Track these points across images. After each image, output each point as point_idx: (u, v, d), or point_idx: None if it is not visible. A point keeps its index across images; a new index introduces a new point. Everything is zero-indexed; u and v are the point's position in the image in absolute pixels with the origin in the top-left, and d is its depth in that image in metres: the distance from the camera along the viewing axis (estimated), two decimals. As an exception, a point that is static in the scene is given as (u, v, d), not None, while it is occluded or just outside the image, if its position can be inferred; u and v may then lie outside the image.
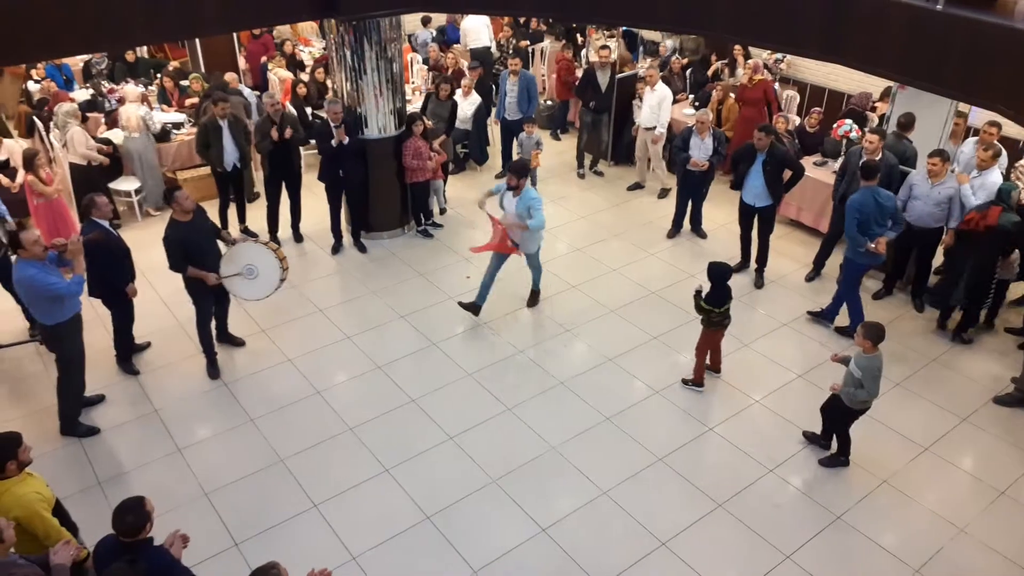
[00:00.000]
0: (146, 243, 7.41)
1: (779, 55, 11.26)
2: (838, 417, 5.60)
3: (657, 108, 9.47)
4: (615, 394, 6.42)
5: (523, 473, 5.63)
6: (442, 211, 9.41)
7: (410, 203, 8.85)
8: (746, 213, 8.01)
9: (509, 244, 7.04)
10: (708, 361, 6.53)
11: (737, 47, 11.17)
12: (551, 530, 5.17)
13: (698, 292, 6.26)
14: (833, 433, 5.74)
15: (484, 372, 6.66)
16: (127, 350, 6.68)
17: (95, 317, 6.67)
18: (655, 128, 9.49)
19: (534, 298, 7.63)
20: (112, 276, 6.16)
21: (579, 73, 10.88)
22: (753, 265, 8.17)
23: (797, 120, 9.87)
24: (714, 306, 6.17)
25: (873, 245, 6.70)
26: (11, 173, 8.47)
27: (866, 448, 5.87)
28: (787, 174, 7.71)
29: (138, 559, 3.31)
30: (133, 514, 3.58)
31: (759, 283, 8.09)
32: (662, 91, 9.50)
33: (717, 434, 6.03)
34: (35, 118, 9.52)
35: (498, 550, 5.03)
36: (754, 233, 8.04)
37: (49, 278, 5.38)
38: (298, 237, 8.80)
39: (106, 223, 6.08)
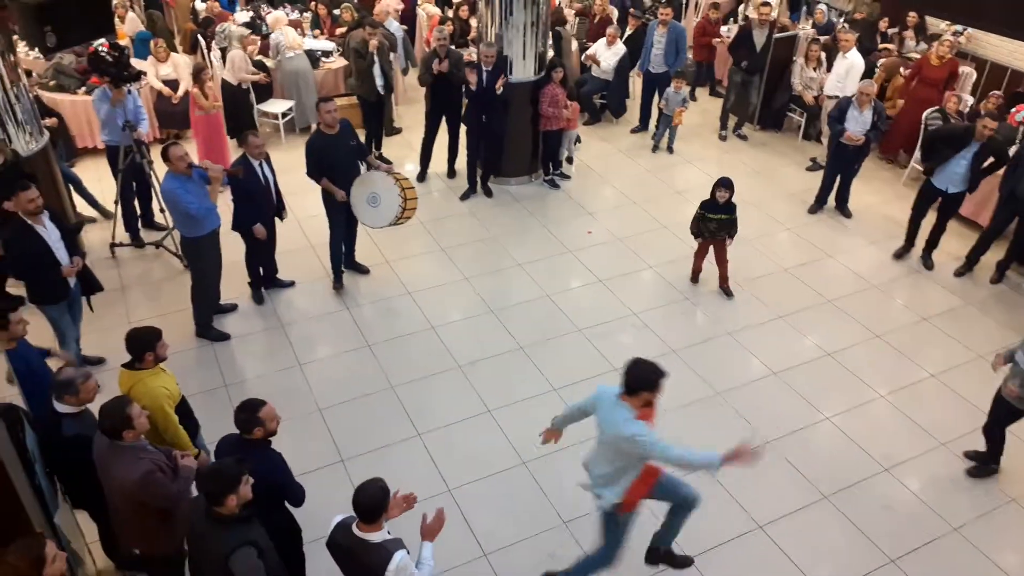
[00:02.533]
0: (286, 166, 7.70)
1: (959, 27, 10.26)
2: (1000, 416, 5.14)
3: (844, 76, 8.89)
4: (730, 370, 6.22)
5: (624, 434, 5.57)
6: (570, 160, 9.27)
7: (541, 151, 8.78)
8: (930, 197, 7.43)
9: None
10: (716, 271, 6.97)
11: (912, 15, 10.27)
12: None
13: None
14: (1001, 449, 5.28)
15: (595, 330, 6.59)
16: (259, 281, 6.81)
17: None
18: (839, 97, 8.88)
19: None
20: (243, 211, 6.30)
21: (725, 34, 10.39)
22: (920, 246, 7.67)
23: (971, 101, 9.01)
24: (705, 211, 6.69)
25: None
26: (174, 86, 9.02)
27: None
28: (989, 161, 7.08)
29: (245, 458, 3.48)
30: (245, 413, 3.78)
31: (928, 264, 7.60)
32: (853, 58, 8.91)
33: (833, 423, 5.74)
34: (199, 36, 10.03)
35: (590, 506, 5.02)
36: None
37: (187, 196, 5.69)
38: (451, 172, 8.91)
39: (256, 162, 6.18)
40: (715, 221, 6.73)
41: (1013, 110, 8.12)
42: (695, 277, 7.23)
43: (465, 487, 5.13)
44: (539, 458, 5.35)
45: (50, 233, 5.32)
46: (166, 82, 9.00)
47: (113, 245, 7.29)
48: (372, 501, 3.29)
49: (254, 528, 3.41)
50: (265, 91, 9.44)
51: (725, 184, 6.63)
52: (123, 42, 9.31)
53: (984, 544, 4.89)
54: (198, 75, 8.09)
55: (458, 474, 5.22)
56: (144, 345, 4.14)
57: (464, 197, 8.50)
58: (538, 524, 4.90)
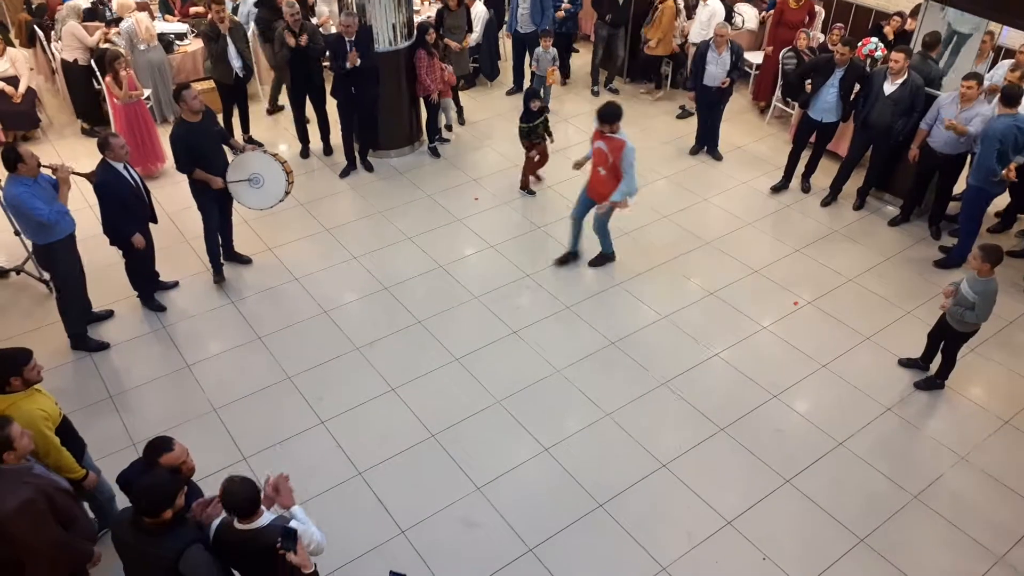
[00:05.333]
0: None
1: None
2: (950, 340, 5.55)
3: (707, 23, 9.14)
4: (621, 318, 6.40)
5: (527, 395, 5.67)
6: (449, 127, 9.20)
7: (426, 118, 8.66)
8: (808, 129, 7.84)
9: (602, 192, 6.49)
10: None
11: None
12: (553, 450, 5.24)
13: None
14: (935, 355, 5.74)
15: (491, 295, 6.63)
16: (148, 289, 6.43)
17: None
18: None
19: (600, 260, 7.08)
20: (118, 221, 5.87)
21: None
22: (800, 172, 8.15)
23: (821, 37, 9.48)
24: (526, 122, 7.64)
25: (1005, 172, 6.35)
26: (14, 82, 8.34)
27: (873, 377, 5.87)
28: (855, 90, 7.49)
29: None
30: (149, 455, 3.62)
31: (806, 187, 8.17)
32: (714, 5, 9.20)
33: (722, 359, 6.02)
34: (35, 26, 9.28)
35: (501, 468, 5.11)
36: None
37: (34, 201, 5.21)
38: (327, 150, 8.68)
39: (120, 165, 5.73)
40: (526, 128, 7.69)
41: (860, 44, 8.58)
42: (524, 185, 8.06)
43: (375, 468, 5.10)
44: (447, 429, 5.38)
45: None
46: (4, 79, 8.30)
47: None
48: (240, 498, 3.27)
49: (190, 527, 3.37)
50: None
51: (535, 95, 7.68)
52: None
53: (869, 456, 5.28)
54: (111, 63, 7.58)
55: (366, 456, 5.18)
56: (8, 369, 3.82)
57: (344, 174, 8.30)
58: (452, 494, 4.94)
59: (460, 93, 9.42)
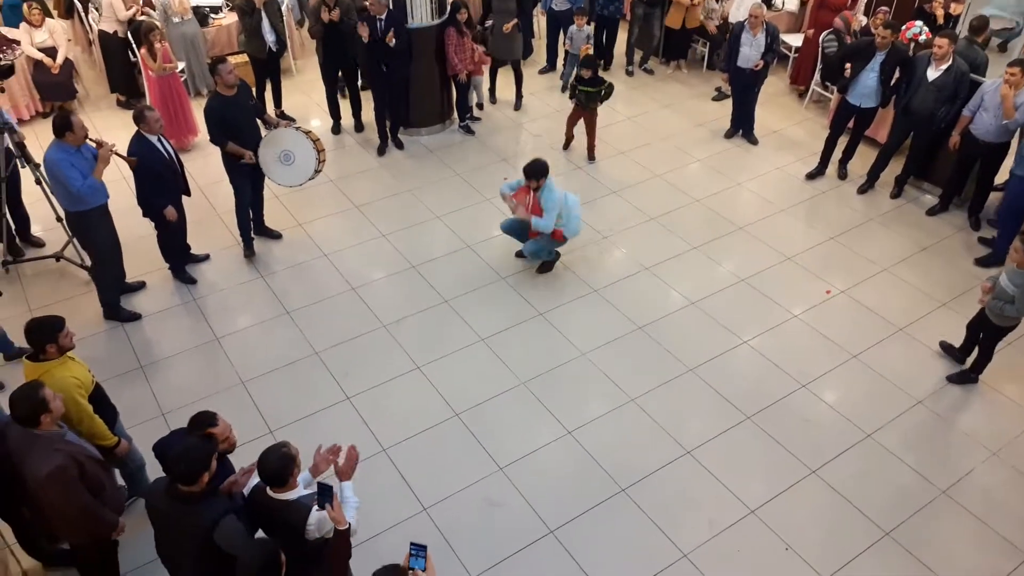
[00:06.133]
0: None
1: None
2: (988, 334, 5.45)
3: (745, 3, 8.96)
4: (649, 303, 6.35)
5: (552, 377, 5.66)
6: (480, 106, 9.14)
7: (455, 97, 8.62)
8: (846, 114, 7.67)
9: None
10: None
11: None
12: (576, 433, 5.23)
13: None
14: (973, 348, 5.63)
15: (518, 276, 6.61)
16: (179, 262, 6.50)
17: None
18: None
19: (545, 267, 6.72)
20: (152, 193, 5.91)
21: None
22: (837, 159, 8.00)
23: (864, 20, 9.24)
24: (578, 83, 7.79)
25: None
26: (52, 53, 8.43)
27: (905, 368, 5.77)
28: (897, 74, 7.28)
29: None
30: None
31: (843, 173, 8.03)
32: None
33: (750, 346, 5.95)
34: (74, -1, 9.37)
35: (523, 449, 5.11)
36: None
37: (71, 170, 5.29)
38: (359, 126, 8.69)
39: (155, 138, 5.75)
40: (584, 92, 7.78)
41: (904, 27, 8.35)
42: (567, 144, 8.35)
43: (399, 445, 5.14)
44: (471, 408, 5.39)
45: None
46: (42, 50, 8.40)
47: (6, 263, 6.54)
48: (273, 469, 3.32)
49: (221, 498, 3.42)
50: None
51: (587, 64, 7.74)
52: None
53: (898, 449, 5.20)
54: (146, 35, 7.66)
55: (391, 433, 5.21)
56: (44, 336, 3.91)
57: (380, 152, 8.30)
58: (475, 473, 4.96)
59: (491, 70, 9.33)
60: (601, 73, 9.54)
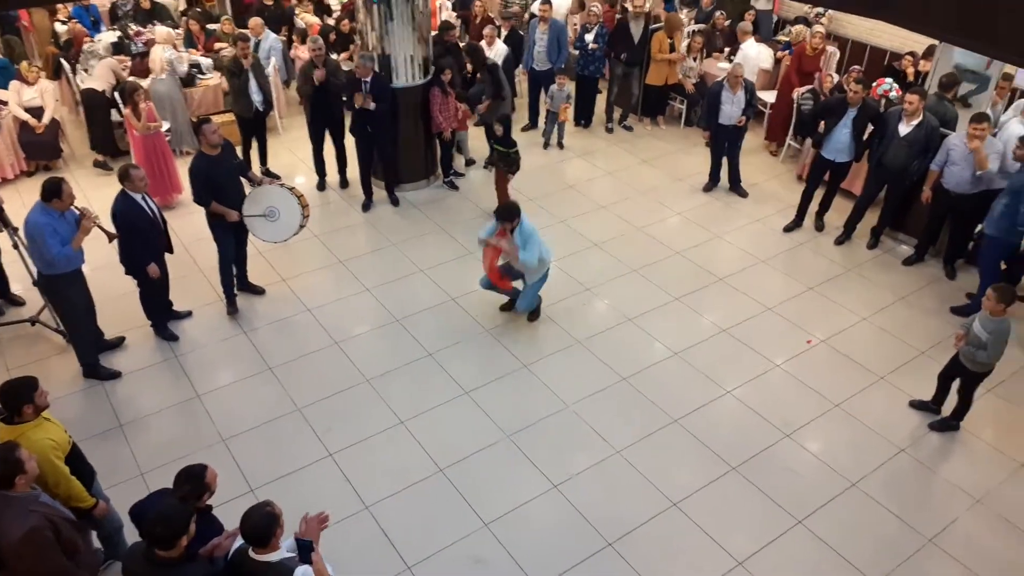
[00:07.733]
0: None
1: (820, 8, 10.82)
2: (965, 381, 5.50)
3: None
4: (633, 355, 6.37)
5: (537, 430, 5.63)
6: (471, 162, 9.29)
7: (439, 154, 8.77)
8: (821, 168, 7.86)
9: (501, 276, 6.43)
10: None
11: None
12: (562, 487, 5.19)
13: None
14: (946, 397, 5.69)
15: (501, 328, 6.64)
16: (161, 319, 6.47)
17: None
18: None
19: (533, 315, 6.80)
20: (135, 251, 5.96)
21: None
22: (813, 211, 8.15)
23: (836, 78, 9.53)
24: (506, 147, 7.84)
25: None
26: (38, 113, 8.51)
27: (887, 417, 5.79)
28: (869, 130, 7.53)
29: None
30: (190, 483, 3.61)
31: (820, 225, 8.16)
32: (748, 49, 9.57)
33: (734, 396, 5.97)
34: (61, 60, 9.51)
35: (509, 504, 5.06)
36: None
37: (52, 237, 5.31)
38: (344, 183, 8.80)
39: (139, 196, 5.81)
40: (496, 152, 8.00)
41: (875, 84, 8.62)
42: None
43: (383, 502, 5.07)
44: (456, 463, 5.34)
45: None
46: (30, 109, 8.49)
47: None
48: (257, 529, 3.27)
49: (201, 563, 3.37)
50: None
51: (500, 120, 7.87)
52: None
53: (883, 497, 5.19)
54: (131, 94, 7.76)
55: (374, 490, 5.15)
56: (21, 397, 3.86)
57: (365, 208, 8.39)
58: (460, 529, 4.89)
59: (477, 128, 9.46)
60: (576, 130, 9.74)
